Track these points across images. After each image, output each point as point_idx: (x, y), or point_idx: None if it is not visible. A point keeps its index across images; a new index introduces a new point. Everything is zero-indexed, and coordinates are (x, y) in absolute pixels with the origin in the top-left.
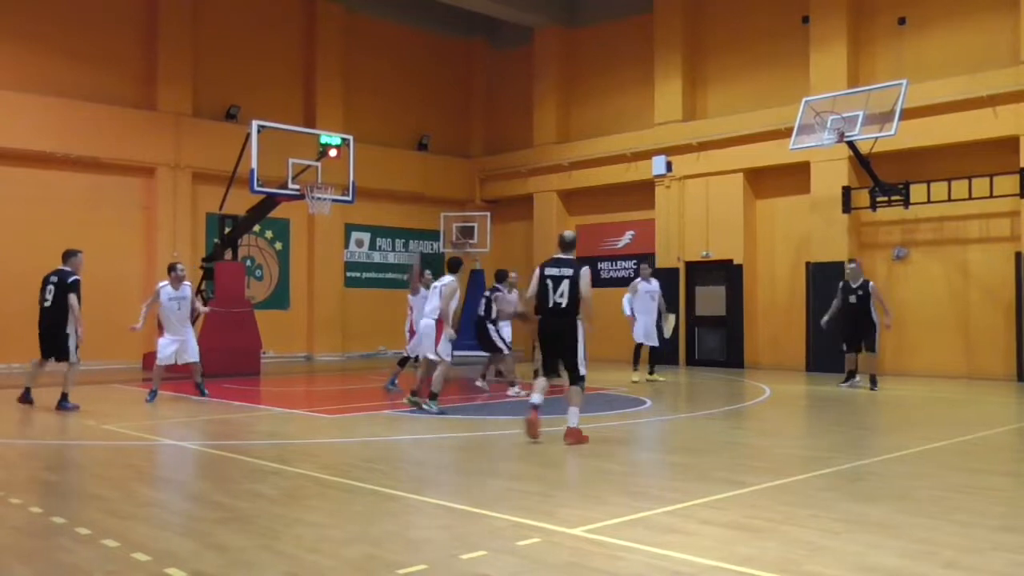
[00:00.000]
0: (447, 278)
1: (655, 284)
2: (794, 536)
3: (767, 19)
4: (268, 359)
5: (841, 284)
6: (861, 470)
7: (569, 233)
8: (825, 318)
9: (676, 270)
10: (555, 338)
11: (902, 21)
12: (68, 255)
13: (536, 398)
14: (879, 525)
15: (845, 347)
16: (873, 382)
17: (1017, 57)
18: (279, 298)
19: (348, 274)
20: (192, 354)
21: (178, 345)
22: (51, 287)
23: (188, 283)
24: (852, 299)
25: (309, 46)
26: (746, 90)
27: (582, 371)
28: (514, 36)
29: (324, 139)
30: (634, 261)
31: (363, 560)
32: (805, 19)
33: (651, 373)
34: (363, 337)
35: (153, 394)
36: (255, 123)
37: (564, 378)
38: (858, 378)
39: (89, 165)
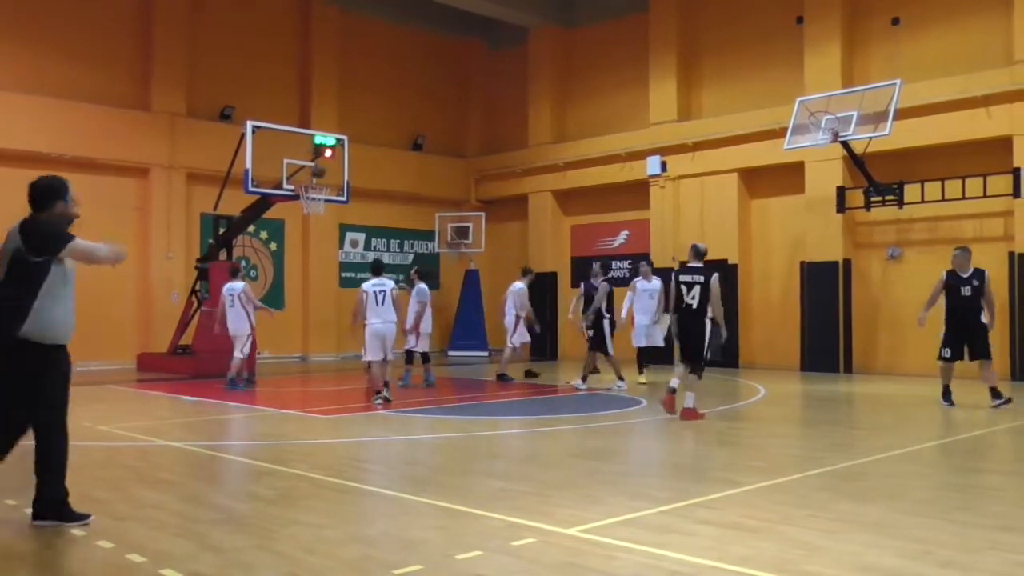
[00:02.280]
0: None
1: (656, 283)
2: (791, 536)
3: (762, 19)
4: (263, 359)
5: (945, 274)
6: (857, 469)
7: (702, 245)
8: (924, 312)
9: (671, 270)
10: (686, 333)
11: (896, 21)
12: None
13: (674, 382)
14: (876, 524)
15: (949, 354)
16: (998, 395)
17: (1010, 57)
18: (274, 298)
19: (343, 274)
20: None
21: None
22: None
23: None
24: (966, 291)
25: (304, 46)
26: (741, 90)
27: (702, 362)
28: (510, 36)
29: (319, 139)
30: (629, 261)
31: (359, 560)
32: (799, 19)
33: (640, 373)
34: (358, 338)
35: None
36: (250, 123)
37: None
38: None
39: (83, 165)
